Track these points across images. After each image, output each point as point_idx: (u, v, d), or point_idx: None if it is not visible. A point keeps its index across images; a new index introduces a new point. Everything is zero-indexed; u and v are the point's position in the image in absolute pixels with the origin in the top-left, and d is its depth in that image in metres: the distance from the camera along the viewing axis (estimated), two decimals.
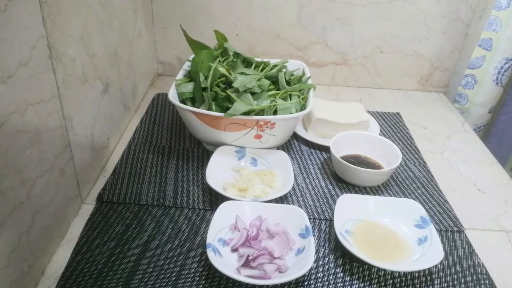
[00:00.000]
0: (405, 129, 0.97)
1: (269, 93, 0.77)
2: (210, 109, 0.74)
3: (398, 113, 1.04)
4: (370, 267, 0.61)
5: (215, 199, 0.71)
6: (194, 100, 0.78)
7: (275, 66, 0.85)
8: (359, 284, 0.59)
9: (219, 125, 0.73)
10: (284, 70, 0.85)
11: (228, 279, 0.57)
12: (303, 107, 0.78)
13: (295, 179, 0.77)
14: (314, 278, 0.59)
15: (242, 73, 0.79)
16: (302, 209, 0.66)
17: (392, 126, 0.98)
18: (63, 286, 0.55)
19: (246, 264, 0.57)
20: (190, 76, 0.81)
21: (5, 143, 0.47)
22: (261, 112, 0.73)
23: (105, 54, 0.77)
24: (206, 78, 0.76)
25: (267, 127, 0.73)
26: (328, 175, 0.79)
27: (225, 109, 0.72)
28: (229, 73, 0.77)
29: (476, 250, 0.65)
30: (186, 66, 0.87)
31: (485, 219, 0.73)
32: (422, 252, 0.60)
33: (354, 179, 0.76)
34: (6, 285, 0.49)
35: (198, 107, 0.75)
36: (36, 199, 0.54)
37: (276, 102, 0.75)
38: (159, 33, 1.11)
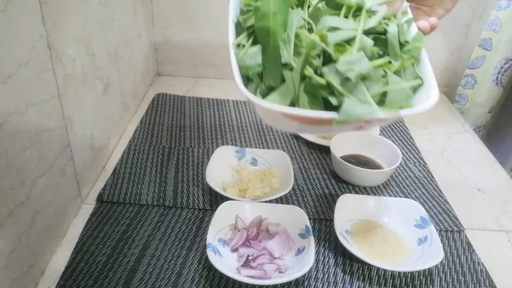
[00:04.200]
0: (405, 129, 0.97)
1: (375, 62, 0.43)
2: (297, 100, 0.43)
3: None
4: (370, 267, 0.61)
5: (215, 199, 0.71)
6: (261, 76, 0.46)
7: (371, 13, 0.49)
8: (359, 284, 0.59)
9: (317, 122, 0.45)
10: (395, 22, 0.48)
11: (228, 279, 0.57)
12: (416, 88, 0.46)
13: (295, 179, 0.77)
14: (314, 278, 0.59)
15: (331, 28, 0.45)
16: (302, 209, 0.66)
17: (392, 126, 0.98)
18: (63, 286, 0.55)
19: (246, 264, 0.57)
20: (249, 34, 0.47)
21: (5, 143, 0.47)
22: None
23: (105, 54, 0.77)
24: (285, 44, 0.44)
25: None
26: (328, 175, 0.79)
27: (319, 100, 0.42)
28: (326, 43, 0.42)
29: (476, 250, 0.65)
30: (235, 11, 0.50)
31: (485, 219, 0.73)
32: (422, 252, 0.60)
33: (354, 179, 0.76)
34: (6, 285, 0.49)
35: (267, 87, 0.45)
36: (36, 199, 0.54)
37: (387, 79, 0.43)
38: (159, 33, 1.11)
